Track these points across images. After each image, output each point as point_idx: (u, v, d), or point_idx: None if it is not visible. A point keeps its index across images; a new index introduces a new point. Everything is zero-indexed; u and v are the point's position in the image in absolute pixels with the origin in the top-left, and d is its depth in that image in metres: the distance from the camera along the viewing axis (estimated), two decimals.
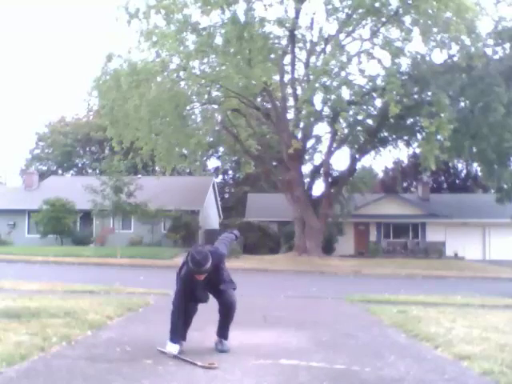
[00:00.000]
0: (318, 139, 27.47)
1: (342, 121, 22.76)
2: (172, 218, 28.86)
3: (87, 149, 50.31)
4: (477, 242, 31.57)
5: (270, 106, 26.41)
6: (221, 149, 36.43)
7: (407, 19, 21.67)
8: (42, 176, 39.70)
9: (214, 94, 25.48)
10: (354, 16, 22.21)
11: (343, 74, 21.64)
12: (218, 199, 39.59)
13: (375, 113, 24.49)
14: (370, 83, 22.79)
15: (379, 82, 22.22)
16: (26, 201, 31.25)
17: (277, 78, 25.45)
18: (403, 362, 4.71)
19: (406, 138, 25.80)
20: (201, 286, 4.89)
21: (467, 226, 31.27)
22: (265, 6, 23.51)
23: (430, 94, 21.23)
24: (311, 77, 21.31)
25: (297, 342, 5.61)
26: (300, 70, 25.17)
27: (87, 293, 9.36)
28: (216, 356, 4.74)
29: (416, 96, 22.74)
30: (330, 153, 26.17)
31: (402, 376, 4.19)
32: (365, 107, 23.76)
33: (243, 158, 30.67)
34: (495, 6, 22.07)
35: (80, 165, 51.18)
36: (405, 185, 47.03)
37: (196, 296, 4.95)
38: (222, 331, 5.10)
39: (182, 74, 23.25)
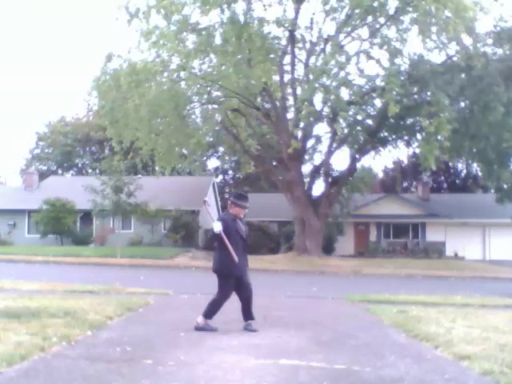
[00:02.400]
0: (318, 139, 27.45)
1: (341, 121, 22.75)
2: (172, 218, 28.86)
3: (87, 149, 50.29)
4: (477, 241, 31.55)
5: (269, 106, 26.40)
6: (221, 149, 36.40)
7: (406, 19, 21.68)
8: (42, 176, 39.65)
9: (214, 94, 25.49)
10: (354, 16, 22.21)
11: (342, 74, 21.65)
12: (218, 199, 39.56)
13: (375, 113, 24.49)
14: (370, 83, 22.80)
15: (379, 82, 22.23)
16: (26, 201, 31.23)
17: (277, 78, 25.44)
18: (403, 361, 4.71)
19: (405, 138, 25.79)
20: (243, 235, 6.25)
21: (467, 226, 31.26)
22: (264, 6, 23.51)
23: (429, 93, 21.22)
24: (311, 77, 21.31)
25: (297, 342, 5.61)
26: (300, 70, 25.19)
27: (87, 293, 9.36)
28: (216, 356, 4.74)
29: (416, 96, 22.74)
30: (329, 153, 26.16)
31: (402, 376, 4.19)
32: (364, 107, 23.75)
33: (243, 158, 30.65)
34: (495, 1, 21.91)
35: (80, 165, 51.16)
36: (405, 185, 47.02)
37: (239, 232, 6.19)
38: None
39: (182, 74, 23.25)
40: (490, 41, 22.33)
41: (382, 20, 21.99)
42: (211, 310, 6.17)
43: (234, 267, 6.07)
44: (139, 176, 29.67)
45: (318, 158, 28.54)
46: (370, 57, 23.10)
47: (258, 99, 27.00)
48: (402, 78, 21.37)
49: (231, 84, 21.94)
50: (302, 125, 23.63)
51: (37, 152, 50.34)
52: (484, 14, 20.65)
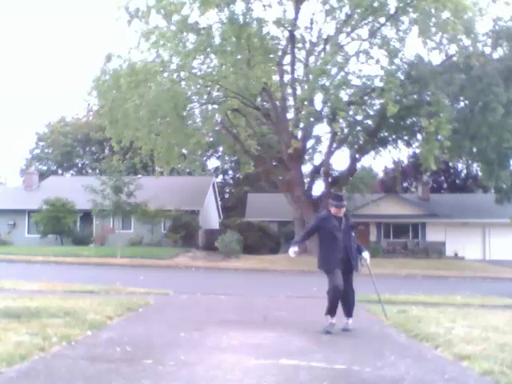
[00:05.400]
0: (318, 139, 27.45)
1: (341, 121, 22.70)
2: (172, 218, 28.85)
3: (87, 149, 50.29)
4: (477, 242, 31.55)
5: (269, 106, 26.39)
6: (221, 149, 36.41)
7: (406, 19, 21.68)
8: (42, 176, 39.64)
9: (214, 94, 25.48)
10: (353, 16, 22.20)
11: (342, 74, 21.64)
12: (218, 199, 39.58)
13: (375, 113, 24.47)
14: (369, 83, 22.79)
15: (378, 82, 22.22)
16: (26, 201, 31.22)
17: (276, 78, 25.43)
18: (403, 361, 4.71)
19: (405, 138, 25.78)
20: (337, 229, 6.47)
21: (467, 226, 31.25)
22: (264, 6, 23.47)
23: (429, 93, 21.22)
24: (310, 77, 21.30)
25: (297, 341, 5.61)
26: (300, 71, 25.19)
27: (87, 293, 9.36)
28: (216, 356, 4.74)
29: (415, 96, 22.74)
30: (329, 153, 26.15)
31: (402, 376, 4.19)
32: (364, 107, 23.74)
33: (243, 158, 30.64)
34: (493, 2, 21.88)
35: (80, 165, 51.16)
36: (405, 185, 47.03)
37: (334, 233, 6.45)
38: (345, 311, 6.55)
39: (181, 74, 23.24)
40: (489, 41, 22.32)
41: (381, 20, 21.98)
42: (329, 308, 6.44)
43: (326, 261, 6.55)
44: (139, 176, 29.67)
45: (318, 158, 28.58)
46: (369, 57, 23.11)
47: (258, 99, 27.00)
48: (402, 78, 21.37)
49: (231, 84, 21.91)
50: (301, 125, 23.63)
51: (37, 152, 50.33)
52: (483, 14, 20.65)
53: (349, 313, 6.54)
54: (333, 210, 6.67)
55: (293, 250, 6.76)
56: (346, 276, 6.40)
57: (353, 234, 6.69)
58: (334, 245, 6.46)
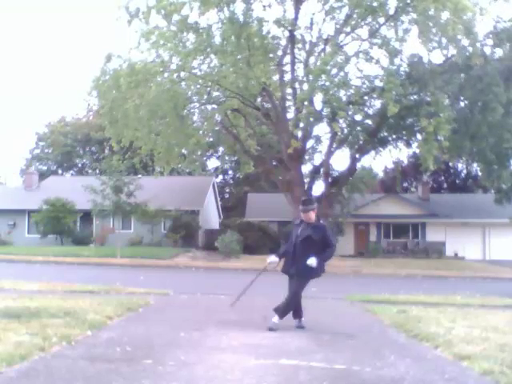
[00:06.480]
0: (318, 139, 27.43)
1: (341, 121, 22.65)
2: (172, 218, 28.85)
3: (87, 149, 50.29)
4: (477, 242, 31.56)
5: (269, 106, 26.38)
6: (221, 149, 36.41)
7: (405, 19, 21.67)
8: (42, 176, 39.64)
9: (214, 94, 25.47)
10: (353, 16, 22.20)
11: (342, 74, 21.62)
12: (218, 199, 39.58)
13: (375, 113, 24.46)
14: (368, 83, 22.77)
15: (378, 82, 22.21)
16: (26, 201, 31.23)
17: (276, 77, 25.42)
18: (403, 361, 4.71)
19: (405, 138, 25.78)
20: (296, 236, 6.57)
21: (467, 226, 31.26)
22: (264, 6, 23.45)
23: (428, 93, 21.21)
24: (310, 77, 21.29)
25: (297, 342, 5.61)
26: (300, 71, 25.17)
27: (87, 293, 9.36)
28: (216, 356, 4.74)
29: (415, 96, 22.73)
30: (329, 153, 26.14)
31: (402, 376, 4.19)
32: (364, 107, 23.72)
33: (243, 158, 30.62)
34: (494, 1, 21.82)
35: (80, 165, 51.15)
36: (405, 185, 47.03)
37: (292, 240, 6.65)
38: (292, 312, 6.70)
39: (181, 74, 23.24)
40: (489, 41, 22.31)
41: (381, 20, 21.97)
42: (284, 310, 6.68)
43: (282, 266, 6.89)
44: (139, 176, 29.65)
45: (318, 158, 28.57)
46: (369, 57, 23.09)
47: (258, 99, 26.97)
48: (402, 78, 21.36)
49: (231, 84, 21.88)
50: (301, 125, 23.61)
51: (37, 152, 50.32)
52: (483, 14, 20.62)
53: (295, 313, 6.80)
54: (301, 215, 6.64)
55: (273, 257, 6.84)
56: (295, 279, 6.78)
57: (314, 242, 6.46)
58: (289, 251, 6.69)
